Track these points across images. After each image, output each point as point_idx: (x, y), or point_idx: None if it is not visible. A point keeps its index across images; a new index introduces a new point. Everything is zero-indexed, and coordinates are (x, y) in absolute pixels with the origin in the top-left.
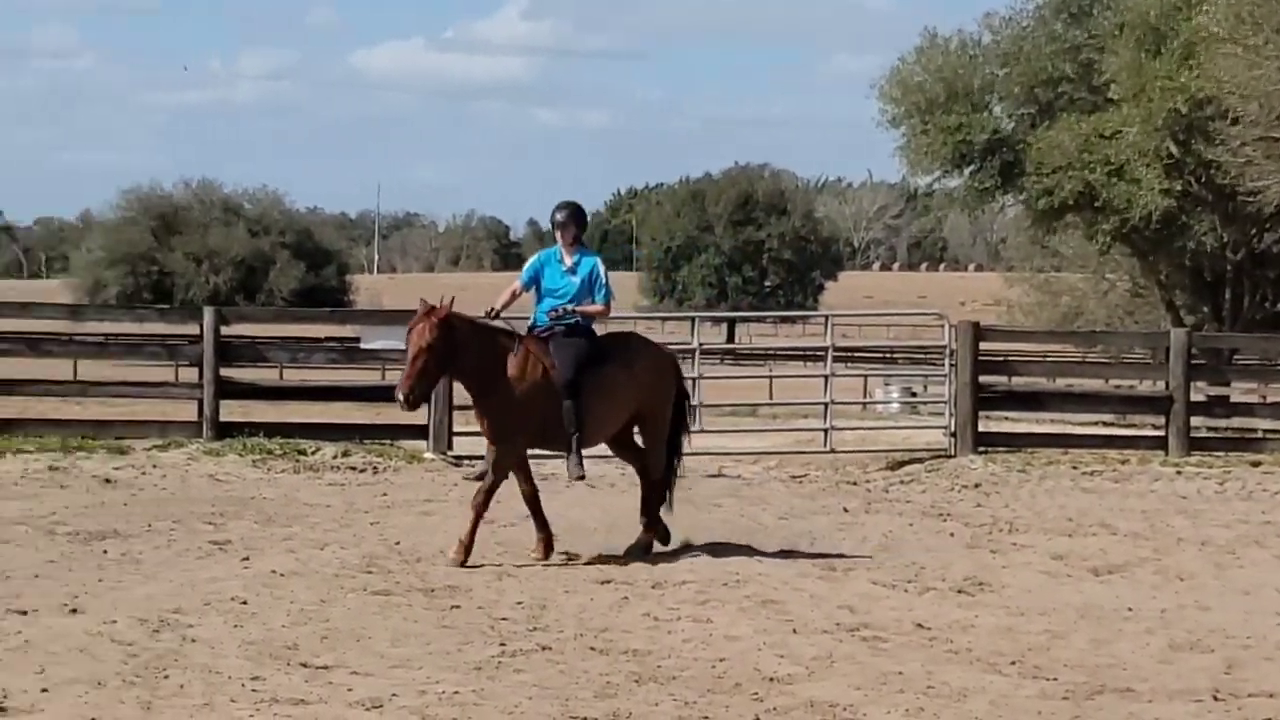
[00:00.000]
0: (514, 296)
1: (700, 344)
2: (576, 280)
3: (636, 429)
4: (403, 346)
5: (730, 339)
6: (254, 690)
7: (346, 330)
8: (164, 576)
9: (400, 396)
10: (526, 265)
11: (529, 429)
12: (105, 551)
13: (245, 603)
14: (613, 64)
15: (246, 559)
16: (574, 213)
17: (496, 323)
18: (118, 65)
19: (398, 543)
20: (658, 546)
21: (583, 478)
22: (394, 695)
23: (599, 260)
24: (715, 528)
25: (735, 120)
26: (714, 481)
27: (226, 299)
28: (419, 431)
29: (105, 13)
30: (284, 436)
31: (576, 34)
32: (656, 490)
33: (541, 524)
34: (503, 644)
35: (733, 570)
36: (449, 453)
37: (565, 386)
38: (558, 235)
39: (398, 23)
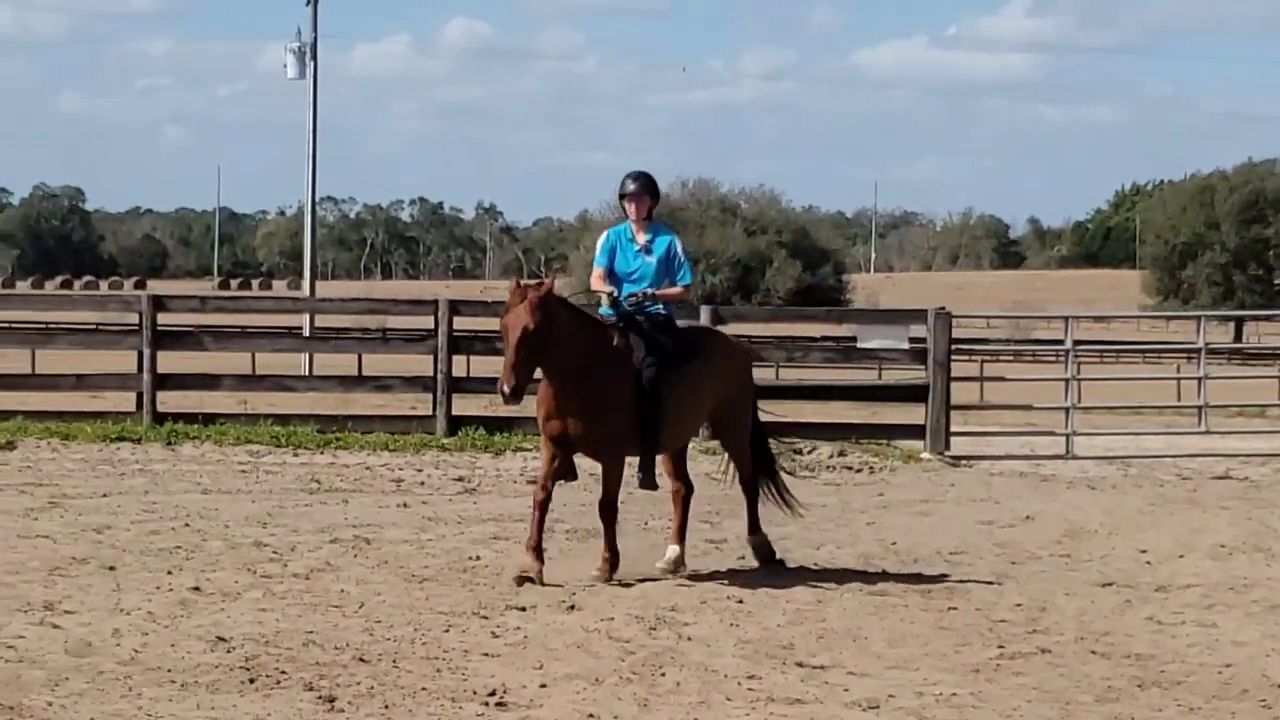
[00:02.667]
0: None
1: (1206, 343)
2: (653, 261)
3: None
4: (903, 346)
5: (1237, 338)
6: (750, 689)
7: (842, 330)
8: (661, 574)
9: (506, 390)
10: (600, 246)
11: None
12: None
13: (741, 601)
14: (1120, 60)
15: (743, 558)
16: (648, 183)
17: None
18: (622, 67)
19: (894, 543)
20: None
21: (655, 488)
22: (890, 696)
23: (675, 237)
24: (1221, 530)
25: (1248, 115)
26: (1220, 483)
27: (723, 299)
28: (916, 431)
29: (612, 14)
30: (779, 436)
31: (1082, 30)
32: (751, 493)
33: (611, 541)
34: (1001, 646)
35: (1240, 574)
36: (946, 453)
37: (646, 385)
38: (629, 208)
39: (900, 21)
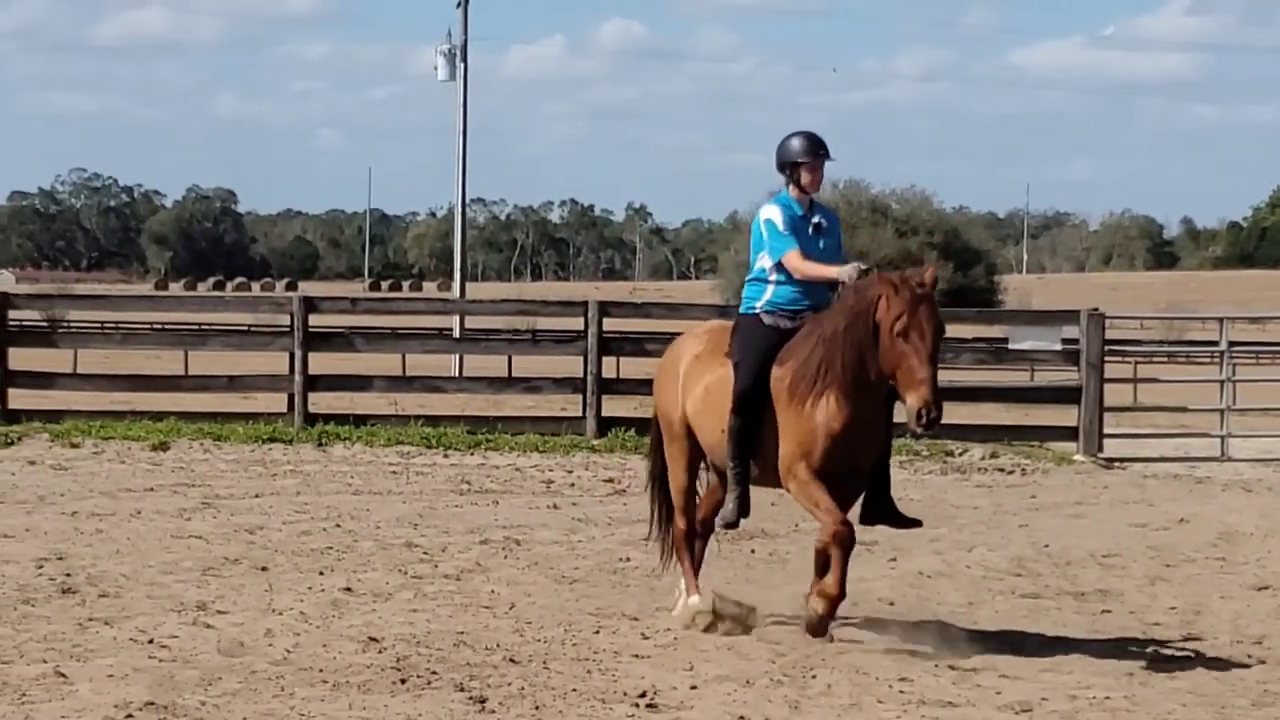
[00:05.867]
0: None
1: None
2: (831, 244)
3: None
4: (1055, 347)
5: None
6: (901, 691)
7: (995, 330)
8: (809, 576)
9: (936, 416)
10: (781, 221)
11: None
12: (753, 551)
13: (892, 604)
14: None
15: (894, 560)
16: (824, 146)
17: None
18: (777, 67)
19: (1047, 545)
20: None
21: (736, 525)
22: (1044, 699)
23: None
24: None
25: None
26: None
27: None
28: (1069, 433)
29: (766, 15)
30: (931, 437)
31: (1243, 28)
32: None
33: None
34: (1156, 649)
35: None
36: (1099, 455)
37: (740, 399)
38: (804, 177)
39: (1057, 21)
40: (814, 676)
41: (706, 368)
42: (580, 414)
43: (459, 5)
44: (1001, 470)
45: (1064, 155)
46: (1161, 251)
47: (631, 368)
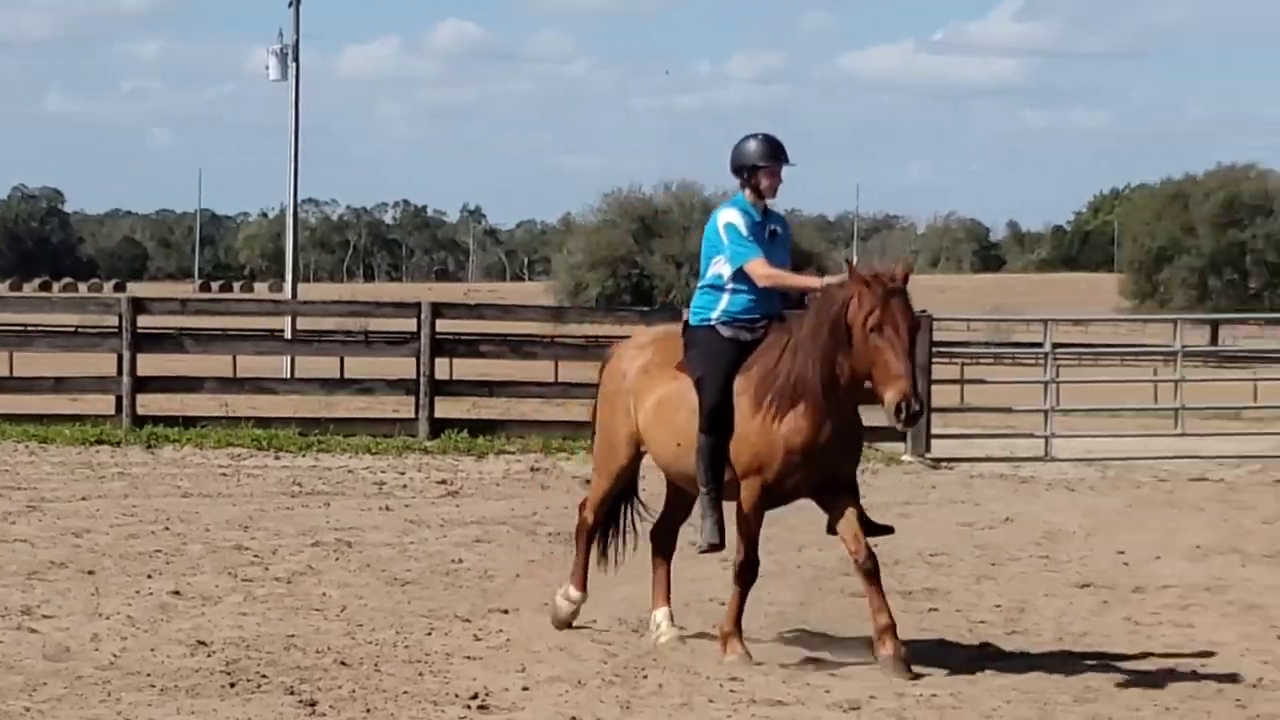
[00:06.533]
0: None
1: (1183, 346)
2: (784, 250)
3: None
4: None
5: (1213, 341)
6: (732, 691)
7: None
8: (643, 578)
9: (919, 408)
10: (742, 227)
11: None
12: None
13: (723, 604)
14: (1108, 64)
15: (725, 560)
16: (784, 151)
17: None
18: (612, 69)
19: (876, 544)
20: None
21: (721, 547)
22: (872, 697)
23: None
24: (1198, 532)
25: (1231, 120)
26: (1196, 485)
27: None
28: (897, 434)
29: (602, 16)
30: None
31: (1071, 35)
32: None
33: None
34: (982, 647)
35: (1216, 575)
36: (927, 455)
37: (710, 416)
38: (763, 182)
39: (889, 25)
40: (645, 676)
41: (658, 380)
42: (413, 415)
43: (290, 4)
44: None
45: (894, 159)
46: (988, 254)
47: (465, 369)
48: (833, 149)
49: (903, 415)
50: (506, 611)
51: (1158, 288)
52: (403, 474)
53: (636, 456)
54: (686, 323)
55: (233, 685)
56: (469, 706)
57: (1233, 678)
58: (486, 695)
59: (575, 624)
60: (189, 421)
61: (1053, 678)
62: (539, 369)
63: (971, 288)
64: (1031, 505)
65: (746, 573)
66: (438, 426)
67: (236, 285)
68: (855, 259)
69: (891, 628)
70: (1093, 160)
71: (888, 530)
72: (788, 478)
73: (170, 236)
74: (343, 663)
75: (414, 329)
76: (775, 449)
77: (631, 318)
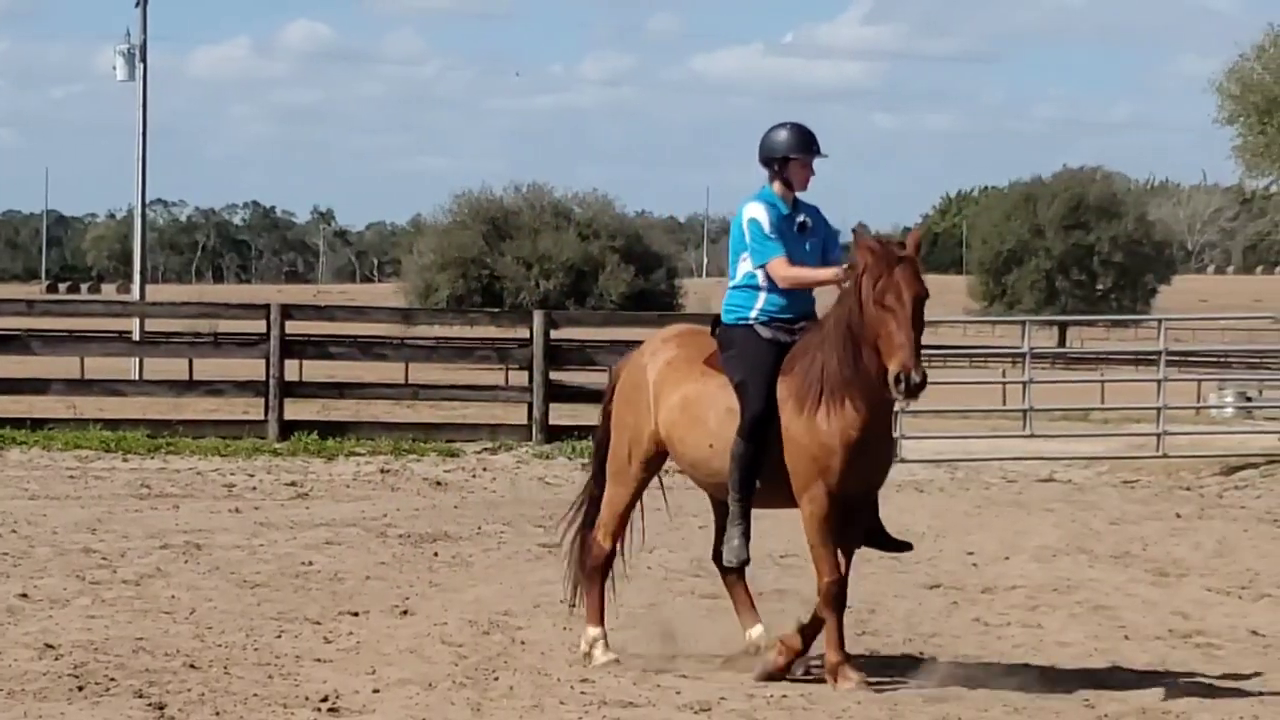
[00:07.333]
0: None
1: (1031, 348)
2: (816, 244)
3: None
4: None
5: (1061, 343)
6: (583, 693)
7: None
8: (494, 579)
9: (920, 379)
10: (766, 222)
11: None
12: (436, 554)
13: (574, 606)
14: (956, 67)
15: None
16: (816, 141)
17: None
18: (464, 71)
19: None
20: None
21: (747, 562)
22: (722, 699)
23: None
24: (1046, 533)
25: (1078, 123)
26: (1045, 486)
27: (556, 303)
28: None
29: (455, 18)
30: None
31: (918, 38)
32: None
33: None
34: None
35: (1063, 576)
36: None
37: (752, 424)
38: (794, 176)
39: (739, 28)
40: (496, 679)
41: (684, 376)
42: (263, 417)
43: (138, 4)
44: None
45: (744, 160)
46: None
47: (315, 370)
48: (683, 151)
49: (902, 387)
50: (356, 614)
51: (1006, 289)
52: (252, 476)
53: (658, 460)
54: (717, 319)
55: (81, 688)
56: (319, 709)
57: (1081, 677)
58: (337, 698)
59: (425, 629)
60: (36, 424)
61: (903, 679)
62: (389, 370)
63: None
64: (881, 507)
65: (835, 593)
66: (287, 428)
67: (84, 287)
68: (705, 260)
69: (846, 660)
70: (941, 162)
71: (906, 547)
72: (850, 478)
73: (16, 238)
74: (192, 665)
75: (263, 330)
76: (833, 447)
77: (482, 319)
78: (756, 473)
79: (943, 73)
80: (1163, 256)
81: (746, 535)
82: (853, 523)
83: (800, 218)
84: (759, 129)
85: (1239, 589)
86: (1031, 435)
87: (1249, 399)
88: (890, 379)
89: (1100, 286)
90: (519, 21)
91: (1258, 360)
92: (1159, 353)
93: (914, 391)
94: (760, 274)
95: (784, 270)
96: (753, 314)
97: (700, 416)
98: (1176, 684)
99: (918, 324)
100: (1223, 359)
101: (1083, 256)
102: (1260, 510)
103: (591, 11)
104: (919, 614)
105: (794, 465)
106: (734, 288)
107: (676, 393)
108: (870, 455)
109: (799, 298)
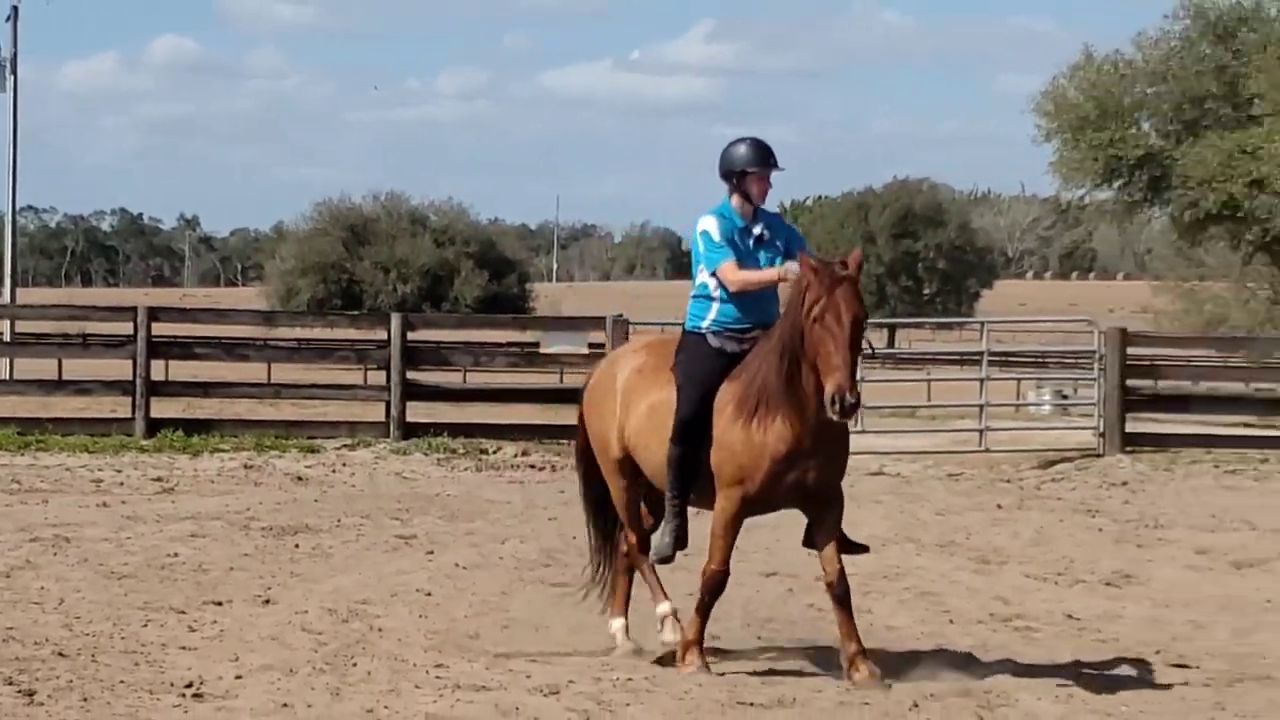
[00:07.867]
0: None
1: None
2: (778, 252)
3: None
4: (583, 351)
5: (891, 344)
6: (438, 677)
7: (527, 336)
8: (352, 569)
9: (853, 400)
10: (716, 230)
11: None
12: (297, 546)
13: (430, 594)
14: (794, 83)
15: (431, 553)
16: (773, 155)
17: None
18: (324, 85)
19: (575, 537)
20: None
21: (671, 559)
22: (570, 681)
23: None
24: (876, 523)
25: (908, 136)
26: (875, 479)
27: (413, 306)
28: None
29: (317, 34)
30: (467, 436)
31: (759, 55)
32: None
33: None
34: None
35: (893, 564)
36: None
37: (681, 427)
38: (751, 189)
39: (588, 45)
40: (355, 664)
41: (651, 384)
42: (130, 415)
43: (8, 19)
44: (533, 467)
45: (593, 171)
46: (681, 262)
47: (180, 370)
48: (534, 162)
49: (837, 407)
50: (220, 603)
51: None
52: (119, 472)
53: (631, 462)
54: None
55: None
56: (184, 695)
57: (908, 659)
58: (201, 684)
59: (287, 618)
60: None
61: (740, 662)
62: (252, 370)
63: (666, 294)
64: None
65: (716, 582)
66: (154, 426)
67: None
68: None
69: (862, 653)
70: (780, 173)
71: (863, 549)
72: (772, 488)
73: None
74: (61, 654)
75: (130, 332)
76: (760, 458)
77: (341, 321)
78: (690, 474)
79: (782, 89)
80: (985, 263)
81: (676, 534)
82: (823, 525)
83: (758, 230)
84: (607, 141)
85: (1055, 575)
86: (863, 431)
87: (1065, 397)
88: (826, 399)
89: (927, 291)
90: (378, 38)
91: (1073, 360)
92: (981, 353)
93: (848, 411)
94: (713, 283)
95: (732, 274)
96: (705, 323)
97: (661, 424)
98: (997, 665)
99: (855, 345)
100: (1040, 359)
101: (910, 263)
102: (1075, 501)
103: (447, 29)
104: (756, 600)
105: (718, 467)
106: (693, 298)
107: (644, 401)
108: (801, 469)
109: (753, 308)
